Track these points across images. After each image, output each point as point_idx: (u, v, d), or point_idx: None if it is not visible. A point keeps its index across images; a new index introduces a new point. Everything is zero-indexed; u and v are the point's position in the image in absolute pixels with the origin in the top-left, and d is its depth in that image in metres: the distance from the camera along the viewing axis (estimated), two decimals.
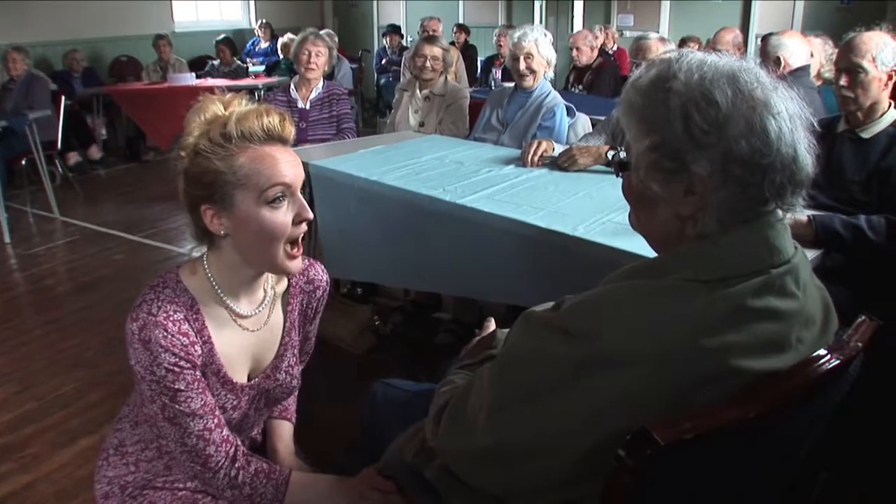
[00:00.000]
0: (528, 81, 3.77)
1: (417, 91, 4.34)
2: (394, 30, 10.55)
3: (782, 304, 1.10)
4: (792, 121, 1.10)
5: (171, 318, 1.42)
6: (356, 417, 1.99)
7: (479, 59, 9.54)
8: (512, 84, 4.01)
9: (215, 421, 1.49)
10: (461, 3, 11.66)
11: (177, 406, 1.43)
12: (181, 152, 1.46)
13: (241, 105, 1.48)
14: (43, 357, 3.67)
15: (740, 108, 1.07)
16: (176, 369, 1.41)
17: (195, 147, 1.44)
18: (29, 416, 3.22)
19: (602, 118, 3.86)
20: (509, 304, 2.88)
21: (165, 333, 1.40)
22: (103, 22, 9.61)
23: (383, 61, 10.40)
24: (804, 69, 3.79)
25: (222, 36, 9.34)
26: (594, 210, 2.51)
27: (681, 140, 1.10)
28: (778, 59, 3.75)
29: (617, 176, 1.29)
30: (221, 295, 1.52)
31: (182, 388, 1.43)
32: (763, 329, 1.07)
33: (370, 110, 10.72)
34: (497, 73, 7.75)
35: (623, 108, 1.20)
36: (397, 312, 4.02)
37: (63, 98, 6.93)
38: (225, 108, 1.47)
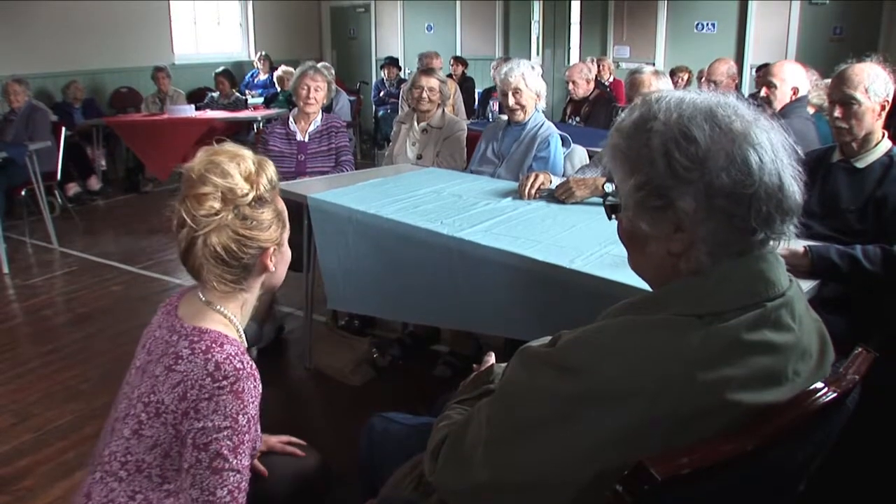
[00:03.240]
0: (519, 116, 3.79)
1: (415, 123, 4.37)
2: (391, 62, 10.61)
3: (778, 337, 1.10)
4: (774, 150, 1.12)
5: (253, 367, 1.49)
6: (354, 450, 1.98)
7: (477, 90, 9.61)
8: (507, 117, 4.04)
9: (246, 482, 1.48)
10: (458, 35, 11.75)
11: (232, 459, 1.42)
12: (226, 209, 1.51)
13: (251, 156, 1.61)
14: (39, 388, 3.65)
15: (719, 143, 1.10)
16: (253, 420, 1.46)
17: (255, 197, 1.53)
18: (24, 448, 3.20)
19: (599, 150, 3.87)
20: (507, 337, 2.89)
21: (256, 384, 1.47)
22: (104, 53, 9.67)
23: (381, 93, 10.46)
24: (801, 100, 3.83)
25: (221, 68, 9.39)
26: (591, 242, 2.52)
27: (664, 177, 1.12)
28: (796, 89, 3.79)
29: (609, 219, 1.31)
30: (239, 332, 1.58)
31: (246, 441, 1.45)
32: (759, 362, 1.08)
33: (368, 142, 10.77)
34: (494, 105, 7.79)
35: (608, 151, 1.23)
36: (395, 345, 4.01)
37: (63, 129, 6.98)
38: (241, 162, 1.56)
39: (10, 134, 6.81)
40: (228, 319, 1.56)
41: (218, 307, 1.56)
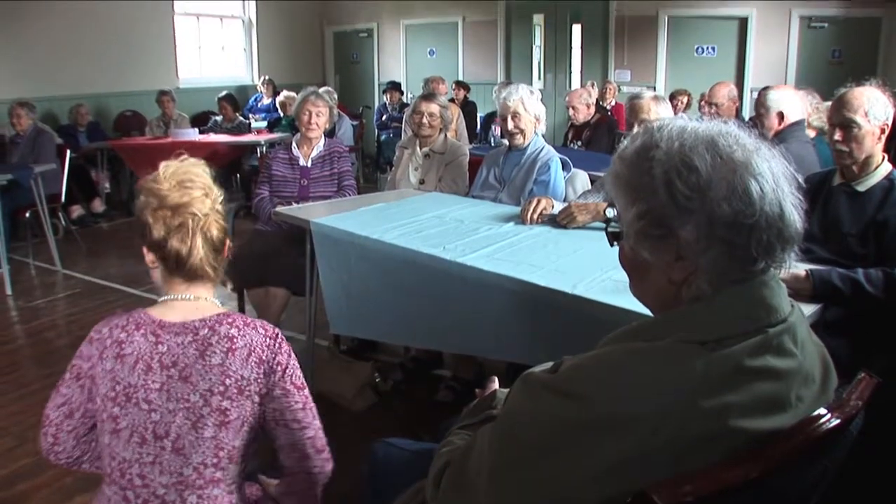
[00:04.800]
0: (519, 140, 3.81)
1: (417, 148, 4.38)
2: (394, 87, 10.67)
3: (780, 363, 1.10)
4: (775, 179, 1.13)
5: None
6: (356, 476, 1.98)
7: (479, 115, 9.64)
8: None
9: None
10: (461, 59, 11.82)
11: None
12: (212, 204, 1.71)
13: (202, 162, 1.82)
14: (40, 411, 3.61)
15: (720, 172, 1.11)
16: None
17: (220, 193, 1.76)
18: (24, 472, 3.18)
19: (601, 174, 3.88)
20: (509, 362, 2.89)
21: None
22: (109, 77, 9.72)
23: (384, 118, 10.50)
24: (799, 123, 3.83)
25: (224, 93, 9.43)
26: (593, 268, 2.52)
27: (665, 207, 1.13)
28: (781, 113, 3.79)
29: (611, 245, 1.31)
30: None
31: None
32: (762, 389, 1.08)
33: (371, 166, 10.80)
34: (497, 130, 7.82)
35: (611, 179, 1.24)
36: (397, 369, 4.01)
37: (68, 152, 7.02)
38: (202, 168, 1.78)
39: (16, 156, 6.88)
40: (218, 305, 1.74)
41: (207, 298, 1.73)
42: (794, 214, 1.13)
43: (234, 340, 1.63)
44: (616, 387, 1.08)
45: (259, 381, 1.65)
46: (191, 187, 1.67)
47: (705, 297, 1.14)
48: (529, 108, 3.77)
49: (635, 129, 3.26)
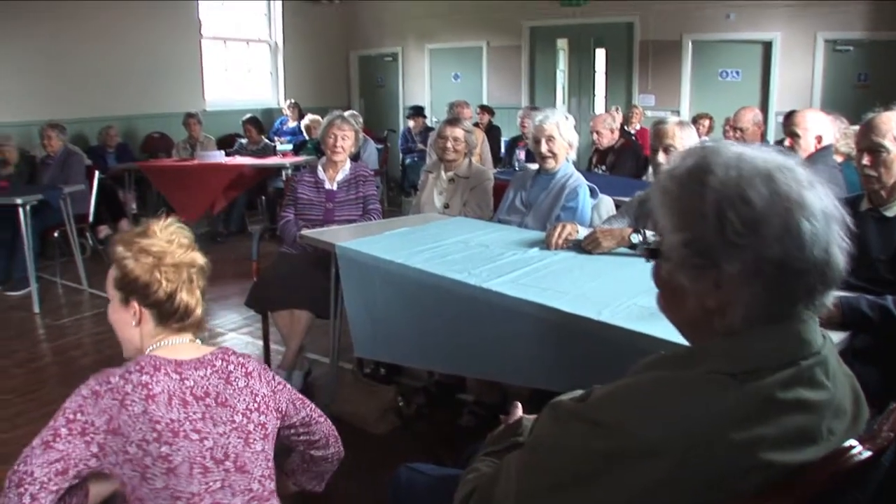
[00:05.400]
0: (551, 164, 3.82)
1: (442, 173, 4.40)
2: (417, 111, 10.71)
3: (812, 395, 1.09)
4: (827, 221, 1.09)
5: None
6: (379, 500, 1.98)
7: (503, 139, 9.65)
8: (535, 165, 4.05)
9: None
10: (485, 84, 11.87)
11: None
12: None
13: None
14: None
15: (775, 209, 1.07)
16: None
17: None
18: None
19: (625, 199, 3.88)
20: (533, 388, 2.87)
21: None
22: (138, 99, 9.84)
23: (409, 142, 10.54)
24: (828, 148, 3.82)
25: (248, 115, 9.51)
26: (619, 294, 2.51)
27: (713, 238, 1.09)
28: (819, 137, 3.79)
29: (647, 261, 1.28)
30: None
31: None
32: (793, 421, 1.07)
33: (395, 190, 10.84)
34: (521, 154, 7.82)
35: (658, 194, 1.19)
36: (420, 394, 4.00)
37: (97, 172, 7.12)
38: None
39: (47, 177, 6.99)
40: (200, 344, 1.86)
41: (194, 339, 1.83)
42: (839, 257, 1.10)
43: (246, 366, 1.80)
44: (645, 416, 1.07)
45: (272, 396, 1.82)
46: (186, 243, 1.80)
47: (738, 331, 1.11)
48: (564, 133, 3.79)
49: (660, 155, 3.26)
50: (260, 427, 1.77)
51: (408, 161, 10.27)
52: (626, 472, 1.06)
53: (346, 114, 4.64)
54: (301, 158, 8.32)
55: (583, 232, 3.28)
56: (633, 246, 3.05)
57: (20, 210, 5.90)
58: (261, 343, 4.41)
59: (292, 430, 1.92)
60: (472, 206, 4.24)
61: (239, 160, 8.49)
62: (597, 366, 2.31)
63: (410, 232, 3.63)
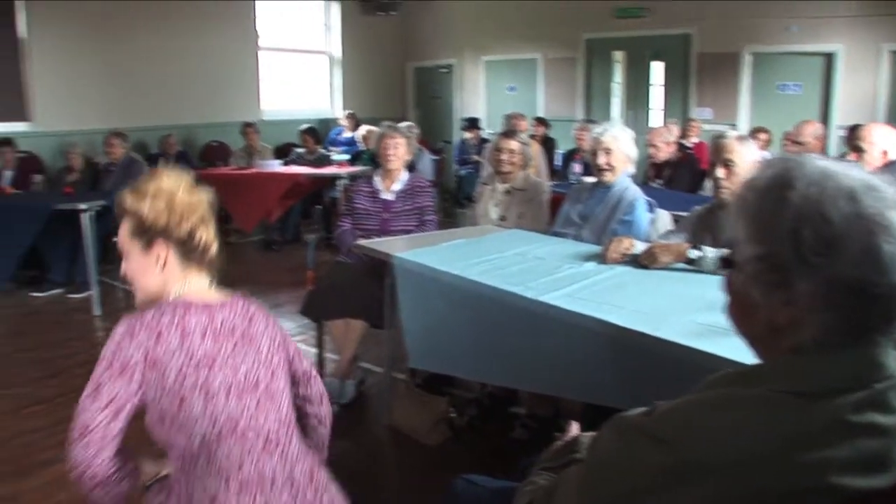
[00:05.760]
0: (608, 177, 3.80)
1: (498, 185, 4.41)
2: (472, 123, 10.73)
3: (885, 419, 1.05)
4: None
5: None
6: None
7: (559, 152, 9.63)
8: (592, 179, 4.04)
9: None
10: (540, 96, 11.86)
11: None
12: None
13: None
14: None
15: (856, 231, 1.02)
16: None
17: None
18: None
19: (682, 214, 3.85)
20: (586, 402, 2.86)
21: None
22: (197, 108, 10.06)
23: (464, 153, 10.57)
24: (894, 163, 3.75)
25: (306, 126, 9.62)
26: (676, 310, 2.49)
27: (788, 255, 1.06)
28: (885, 152, 3.72)
29: (721, 270, 1.25)
30: None
31: None
32: (864, 445, 1.03)
33: (450, 201, 10.88)
34: (577, 167, 7.80)
35: (737, 204, 1.16)
36: (473, 405, 3.99)
37: None
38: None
39: (109, 183, 7.16)
40: None
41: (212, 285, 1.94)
42: None
43: (261, 311, 1.93)
44: (708, 433, 1.06)
45: (283, 343, 1.94)
46: (192, 184, 1.92)
47: (808, 350, 1.08)
48: (623, 146, 3.78)
49: (719, 170, 3.23)
50: (281, 366, 1.89)
51: (463, 172, 10.29)
52: (687, 488, 1.05)
53: (403, 125, 4.68)
54: (356, 168, 8.37)
55: (639, 246, 3.25)
56: (690, 262, 3.02)
57: (84, 215, 6.07)
58: (315, 351, 4.45)
59: (294, 380, 2.00)
60: (528, 218, 4.23)
61: (295, 169, 8.59)
62: (652, 382, 2.29)
63: (466, 244, 3.64)
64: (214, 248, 1.91)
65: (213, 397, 1.72)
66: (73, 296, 6.64)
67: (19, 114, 8.87)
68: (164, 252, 1.84)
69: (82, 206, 6.08)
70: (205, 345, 1.74)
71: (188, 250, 1.86)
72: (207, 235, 1.89)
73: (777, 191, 1.09)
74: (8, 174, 7.94)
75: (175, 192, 1.86)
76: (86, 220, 6.11)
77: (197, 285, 1.89)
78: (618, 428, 1.21)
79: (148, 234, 1.83)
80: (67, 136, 8.42)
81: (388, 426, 3.85)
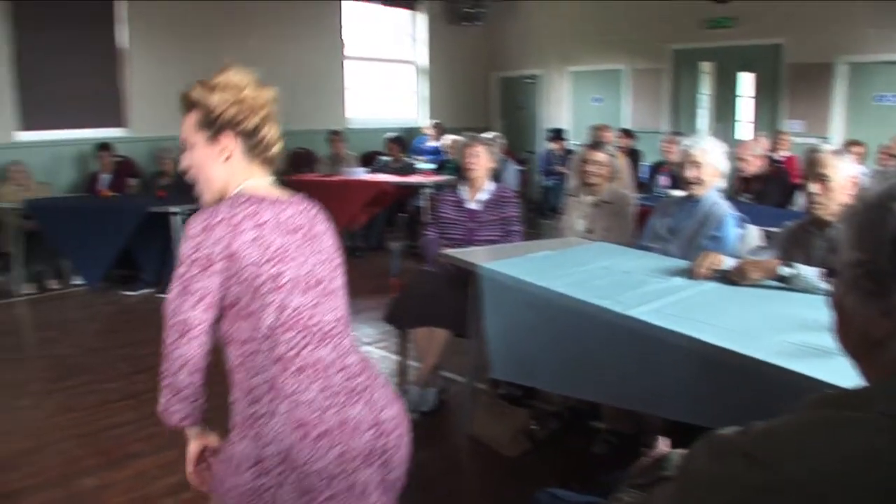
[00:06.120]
0: (697, 191, 3.75)
1: (585, 197, 4.38)
2: (557, 134, 10.69)
3: None
4: None
5: None
6: None
7: (644, 164, 9.53)
8: (679, 192, 3.99)
9: None
10: (626, 107, 11.76)
11: None
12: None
13: None
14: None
15: None
16: None
17: None
18: (188, 484, 3.36)
19: (772, 229, 3.77)
20: (669, 419, 2.82)
21: None
22: (285, 116, 10.24)
23: (549, 164, 10.53)
24: None
25: (393, 134, 9.73)
26: (768, 328, 2.44)
27: (885, 265, 1.04)
28: None
29: (826, 278, 1.23)
30: None
31: None
32: None
33: (534, 212, 10.85)
34: (663, 180, 7.70)
35: (846, 212, 1.14)
36: (554, 418, 3.98)
37: None
38: None
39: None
40: None
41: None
42: None
43: (322, 213, 1.99)
44: (808, 455, 1.04)
45: (336, 248, 1.97)
46: (261, 84, 1.94)
47: None
48: (712, 160, 3.72)
49: (812, 185, 3.15)
50: (339, 267, 1.95)
51: (548, 183, 10.25)
52: None
53: (488, 135, 4.70)
54: (441, 178, 8.44)
55: (729, 262, 3.19)
56: (781, 279, 2.95)
57: (175, 218, 6.26)
58: (396, 358, 4.50)
59: None
60: (615, 231, 4.20)
61: (380, 177, 8.70)
62: (741, 402, 2.25)
63: (553, 255, 3.63)
64: (278, 147, 1.96)
65: (281, 291, 1.77)
66: (162, 296, 6.78)
67: (117, 120, 9.26)
68: (230, 144, 1.87)
69: (174, 209, 6.29)
70: (277, 239, 1.79)
71: (253, 145, 1.90)
72: (273, 132, 1.94)
73: (883, 202, 1.06)
74: (105, 177, 8.29)
75: (244, 86, 1.89)
76: (177, 223, 6.31)
77: (261, 181, 1.92)
78: (712, 446, 1.19)
79: (215, 125, 1.87)
80: (161, 141, 8.69)
81: (468, 436, 3.86)
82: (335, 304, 1.90)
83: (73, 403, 4.47)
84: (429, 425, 3.99)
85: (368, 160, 10.04)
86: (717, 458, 1.16)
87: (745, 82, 10.67)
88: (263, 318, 1.75)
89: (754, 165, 6.67)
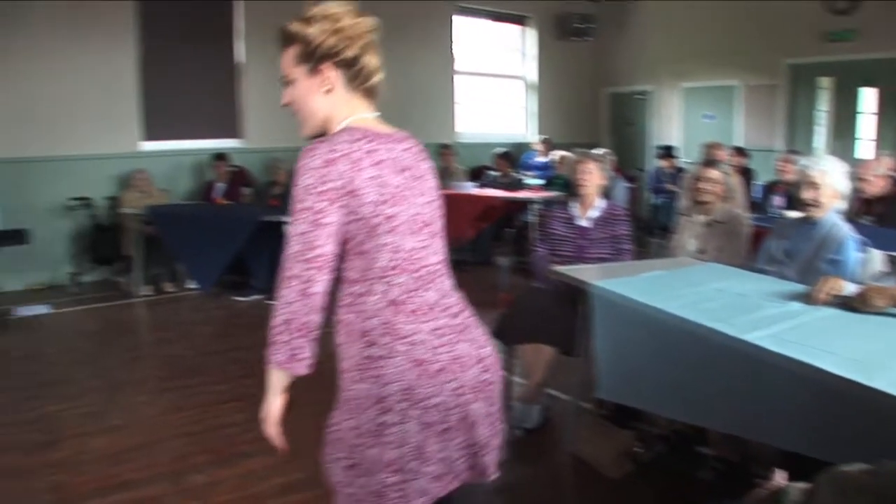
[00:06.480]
0: (815, 213, 3.63)
1: (697, 216, 4.30)
2: (667, 151, 10.51)
3: None
4: None
5: None
6: None
7: (757, 183, 9.26)
8: (795, 213, 3.87)
9: None
10: (738, 124, 11.47)
11: None
12: None
13: None
14: (311, 428, 3.86)
15: None
16: None
17: None
18: (297, 484, 3.50)
19: None
20: (780, 449, 2.73)
21: None
22: (397, 129, 10.42)
23: (659, 182, 10.36)
24: None
25: (502, 150, 9.77)
26: (892, 359, 2.34)
27: None
28: None
29: None
30: None
31: None
32: None
33: (643, 230, 10.67)
34: (777, 200, 7.48)
35: None
36: (659, 441, 3.90)
37: None
38: None
39: None
40: None
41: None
42: None
43: (423, 149, 1.99)
44: None
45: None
46: (359, 13, 1.89)
47: None
48: (832, 181, 3.59)
49: None
50: (439, 206, 1.97)
51: (657, 201, 10.08)
52: None
53: (598, 151, 4.67)
54: (550, 194, 8.40)
55: (850, 288, 3.07)
56: None
57: (287, 227, 6.40)
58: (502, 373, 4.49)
59: None
60: (729, 252, 4.10)
61: (489, 192, 8.74)
62: (863, 436, 2.16)
63: (664, 276, 3.56)
64: (378, 78, 1.94)
65: (396, 233, 1.80)
66: (272, 302, 7.00)
67: (232, 132, 9.65)
68: (331, 75, 1.87)
69: (286, 218, 6.42)
70: (393, 179, 1.81)
71: (354, 75, 1.89)
72: (373, 62, 1.91)
73: None
74: (220, 186, 8.60)
75: (341, 16, 1.86)
76: (288, 232, 6.44)
77: (368, 115, 1.93)
78: (839, 485, 1.15)
79: (315, 57, 1.85)
80: (274, 152, 8.99)
81: (570, 454, 3.82)
82: (439, 246, 1.93)
83: (184, 402, 4.67)
84: (532, 442, 3.98)
85: (477, 175, 10.09)
86: (844, 497, 1.12)
87: (867, 98, 10.25)
88: (378, 258, 1.79)
89: (876, 186, 6.39)
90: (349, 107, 1.91)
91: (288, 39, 1.88)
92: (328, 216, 1.73)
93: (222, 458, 3.83)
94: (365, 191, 1.75)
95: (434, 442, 1.83)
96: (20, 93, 8.02)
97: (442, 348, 1.84)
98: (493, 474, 2.00)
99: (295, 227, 1.74)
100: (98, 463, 3.80)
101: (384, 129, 1.92)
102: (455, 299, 1.96)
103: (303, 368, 1.78)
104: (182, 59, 9.09)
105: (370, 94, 1.95)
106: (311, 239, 1.72)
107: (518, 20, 12.45)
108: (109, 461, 3.81)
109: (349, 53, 1.85)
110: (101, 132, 8.49)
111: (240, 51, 9.54)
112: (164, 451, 3.95)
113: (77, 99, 8.32)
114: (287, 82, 1.92)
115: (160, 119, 8.95)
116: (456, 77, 11.63)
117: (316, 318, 1.76)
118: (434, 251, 1.91)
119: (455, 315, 1.92)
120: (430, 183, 1.94)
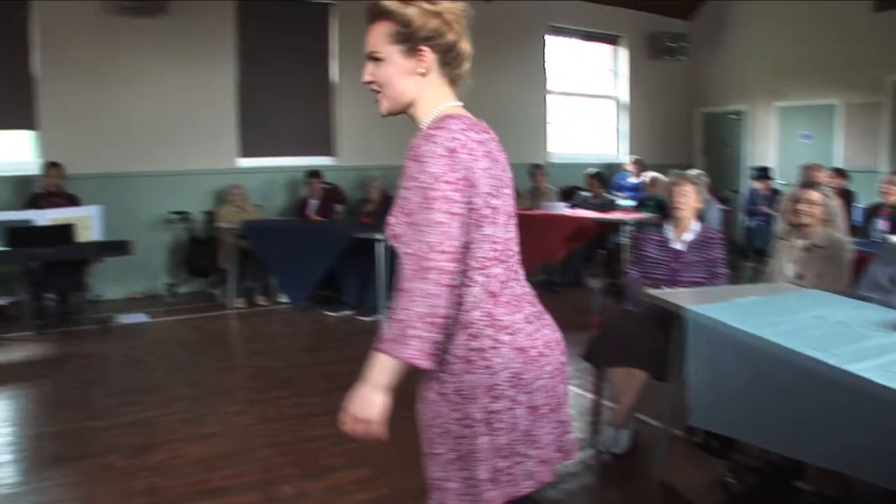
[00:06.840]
0: None
1: (796, 241, 4.18)
2: (762, 172, 10.23)
3: None
4: None
5: None
6: None
7: (858, 206, 8.95)
8: None
9: None
10: (838, 145, 11.11)
11: None
12: None
13: None
14: (399, 447, 3.85)
15: None
16: None
17: None
18: (383, 501, 3.51)
19: None
20: (888, 489, 2.61)
21: None
22: None
23: (754, 204, 10.07)
24: None
25: (594, 170, 9.71)
26: None
27: None
28: None
29: None
30: None
31: None
32: None
33: (737, 253, 10.41)
34: (881, 224, 7.21)
35: None
36: (753, 473, 3.77)
37: None
38: None
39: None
40: None
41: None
42: None
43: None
44: None
45: None
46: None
47: None
48: None
49: None
50: (514, 196, 1.94)
51: (752, 224, 9.83)
52: None
53: (691, 172, 4.58)
54: (641, 215, 8.28)
55: None
56: None
57: (378, 245, 6.50)
58: (591, 396, 4.44)
59: None
60: (829, 278, 3.97)
61: (580, 213, 8.68)
62: None
63: (761, 301, 3.46)
64: (468, 64, 1.90)
65: (496, 224, 1.82)
66: (362, 318, 7.15)
67: (326, 149, 9.88)
68: (429, 58, 1.82)
69: (378, 235, 6.53)
70: (496, 169, 1.82)
71: (448, 60, 1.85)
72: (466, 47, 1.87)
73: None
74: (314, 203, 8.76)
75: (449, 3, 1.82)
76: (380, 250, 6.56)
77: (455, 101, 1.90)
78: None
79: (414, 38, 1.80)
80: (366, 170, 9.14)
81: (660, 482, 3.74)
82: (517, 236, 1.94)
83: (275, 414, 4.74)
84: (620, 467, 3.92)
85: (568, 195, 10.03)
86: None
87: None
88: (480, 249, 1.79)
89: None
90: (438, 92, 1.87)
91: (380, 15, 1.82)
92: (460, 206, 1.71)
93: (310, 470, 3.87)
94: (480, 182, 1.75)
95: (539, 425, 1.87)
96: (126, 111, 8.42)
97: (536, 334, 1.87)
98: (577, 454, 2.05)
99: (431, 216, 1.68)
100: (191, 468, 3.90)
101: (474, 119, 1.88)
102: (529, 287, 1.98)
103: (432, 364, 1.74)
104: (279, 79, 9.41)
105: (456, 81, 1.91)
106: (449, 229, 1.68)
107: (610, 40, 12.38)
108: (202, 467, 3.91)
109: (449, 38, 1.83)
110: (201, 149, 8.85)
111: (334, 71, 9.76)
112: (255, 460, 4.01)
113: (179, 117, 8.69)
114: (373, 58, 1.86)
115: (257, 136, 9.26)
116: (548, 97, 11.62)
117: (452, 312, 1.74)
118: (517, 241, 1.93)
119: (533, 303, 1.95)
120: (510, 173, 1.92)
